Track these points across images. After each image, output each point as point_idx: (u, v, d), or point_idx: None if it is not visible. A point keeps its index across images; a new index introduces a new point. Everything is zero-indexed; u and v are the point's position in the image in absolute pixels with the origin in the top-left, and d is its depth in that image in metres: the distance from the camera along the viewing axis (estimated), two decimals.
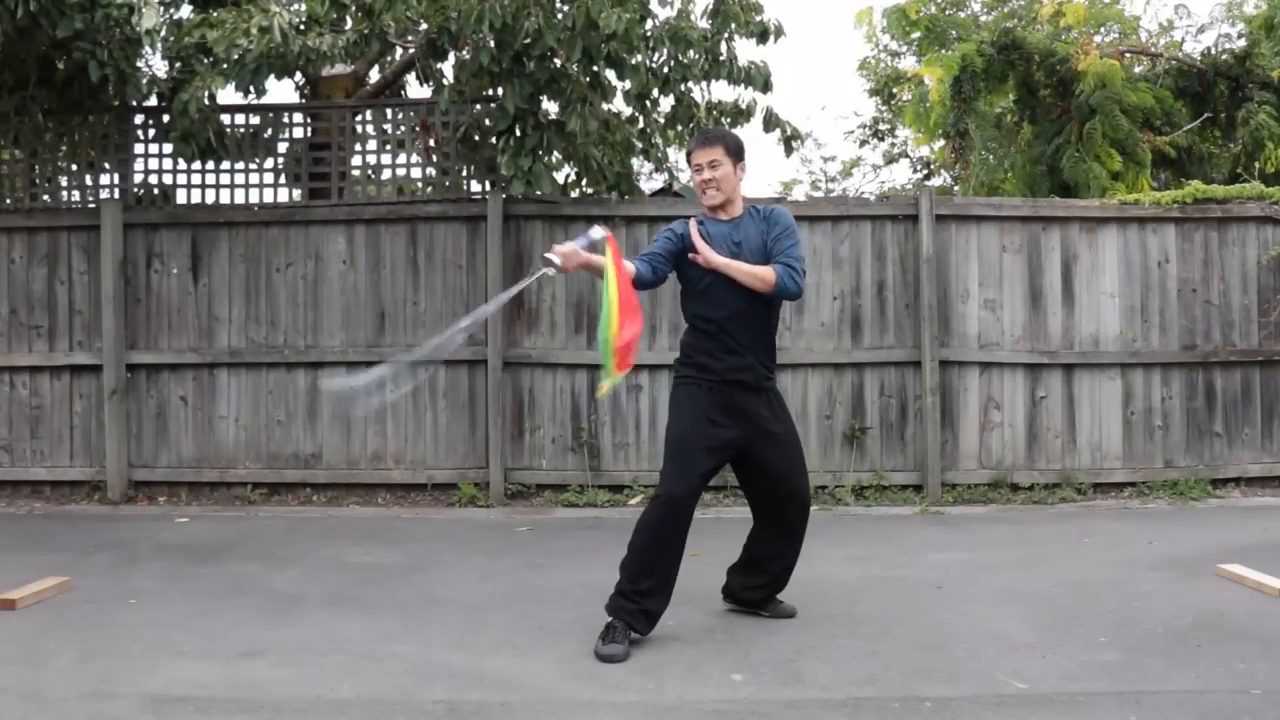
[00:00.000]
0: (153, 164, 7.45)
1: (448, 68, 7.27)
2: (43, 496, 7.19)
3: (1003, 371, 7.10)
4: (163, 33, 7.17)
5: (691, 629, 4.02)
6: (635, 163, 8.00)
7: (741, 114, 7.75)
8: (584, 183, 7.66)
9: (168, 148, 7.28)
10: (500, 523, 6.42)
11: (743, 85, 7.32)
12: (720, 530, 5.17)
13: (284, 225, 7.23)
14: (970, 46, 8.54)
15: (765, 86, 7.33)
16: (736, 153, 3.97)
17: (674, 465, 3.81)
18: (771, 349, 3.99)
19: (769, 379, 3.96)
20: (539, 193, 6.92)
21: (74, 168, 7.53)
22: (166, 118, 7.25)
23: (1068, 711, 3.12)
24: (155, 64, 7.74)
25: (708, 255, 3.79)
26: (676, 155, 8.70)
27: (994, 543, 5.67)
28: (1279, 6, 8.74)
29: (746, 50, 9.18)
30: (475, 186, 7.43)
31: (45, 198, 7.43)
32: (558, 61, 6.62)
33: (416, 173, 7.58)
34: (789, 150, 7.82)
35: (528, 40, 6.35)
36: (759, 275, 3.81)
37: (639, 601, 3.76)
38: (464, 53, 6.94)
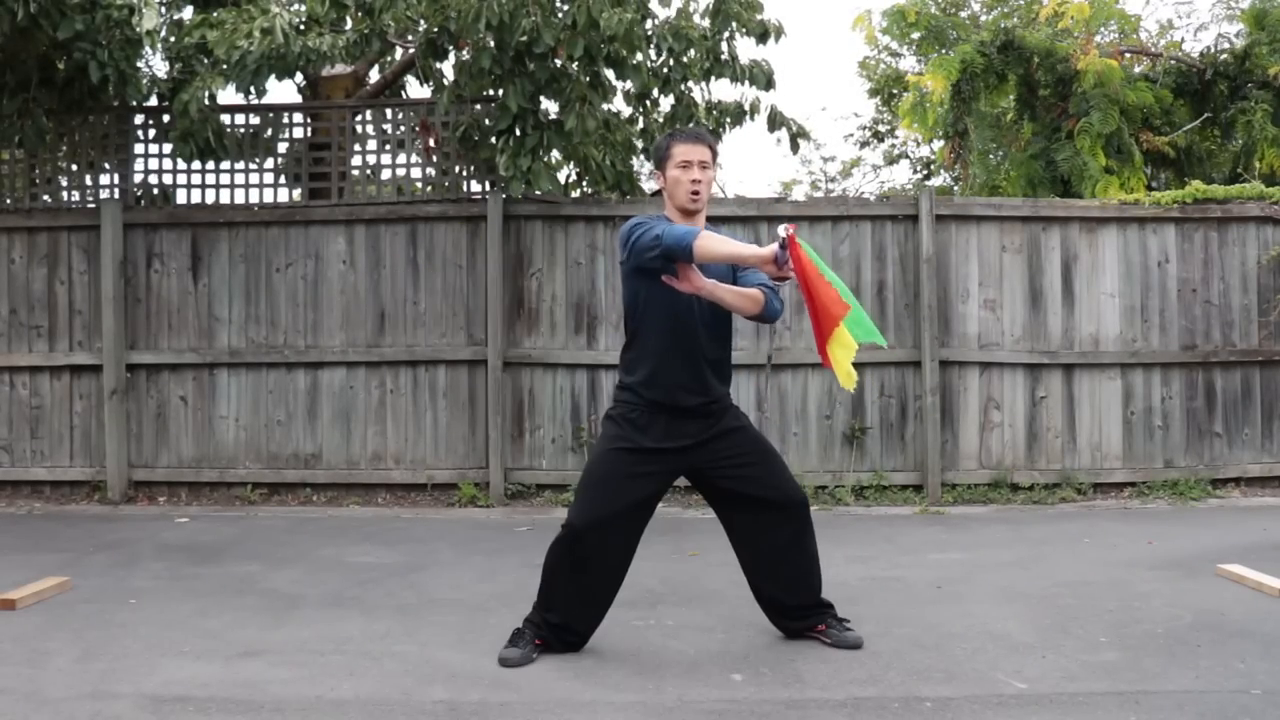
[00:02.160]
0: (153, 164, 7.46)
1: (448, 68, 7.28)
2: (43, 496, 7.19)
3: (1003, 371, 7.10)
4: (163, 33, 7.18)
5: (691, 629, 4.02)
6: (636, 162, 8.01)
7: (744, 114, 7.76)
8: (584, 182, 7.66)
9: (168, 148, 7.28)
10: (500, 523, 6.42)
11: (745, 84, 7.33)
12: (720, 530, 5.17)
13: (284, 225, 7.23)
14: (970, 47, 8.53)
15: (768, 85, 7.33)
16: (716, 159, 3.70)
17: (582, 495, 3.66)
18: (727, 369, 3.73)
19: (716, 403, 3.67)
20: (538, 192, 6.93)
21: (74, 168, 7.53)
22: (166, 118, 7.25)
23: (1068, 711, 3.12)
24: (155, 64, 7.76)
25: (694, 286, 3.39)
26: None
27: (994, 543, 5.67)
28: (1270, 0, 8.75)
29: (747, 49, 9.17)
30: (475, 186, 7.42)
31: (45, 198, 7.43)
32: (558, 61, 6.62)
33: (416, 173, 7.58)
34: (795, 147, 7.82)
35: (524, 39, 6.35)
36: (749, 295, 3.48)
37: (548, 627, 3.67)
38: (464, 53, 6.95)
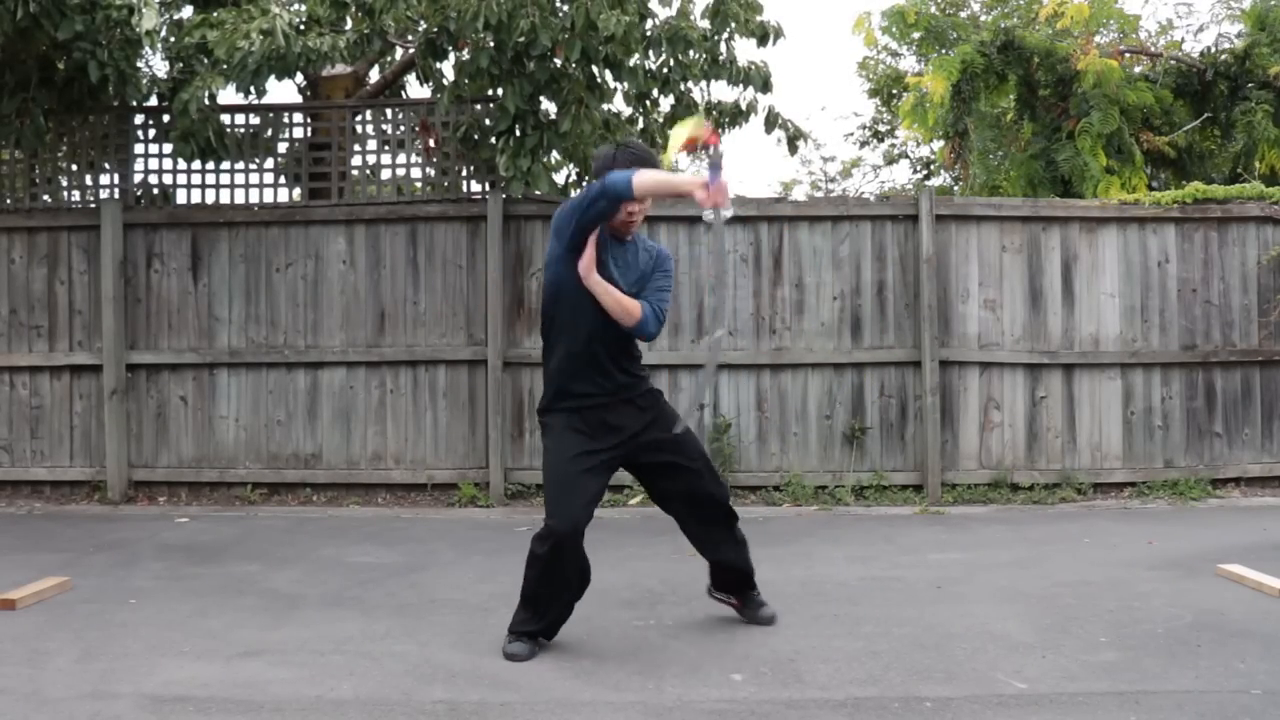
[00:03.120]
0: (153, 164, 7.46)
1: (448, 68, 7.27)
2: (43, 496, 7.19)
3: (1003, 371, 7.10)
4: (163, 33, 7.17)
5: (691, 629, 4.02)
6: None
7: (742, 114, 7.76)
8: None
9: (168, 148, 7.27)
10: (500, 523, 6.42)
11: (742, 86, 7.33)
12: None
13: (284, 225, 7.23)
14: (970, 47, 8.54)
15: (765, 87, 7.33)
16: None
17: (556, 500, 3.71)
18: (631, 359, 3.80)
19: (632, 388, 3.78)
20: (538, 192, 6.93)
21: (74, 168, 7.53)
22: (166, 118, 7.25)
23: (1068, 711, 3.12)
24: (155, 64, 7.75)
25: (588, 270, 3.61)
26: (676, 154, 8.69)
27: (994, 543, 5.67)
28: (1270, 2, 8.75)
29: (747, 51, 9.19)
30: (475, 186, 7.43)
31: (45, 198, 7.43)
32: (557, 62, 6.62)
33: (416, 173, 7.58)
34: (793, 150, 7.82)
35: (521, 39, 6.34)
36: (626, 307, 3.63)
37: (530, 631, 3.72)
38: (464, 53, 6.95)
